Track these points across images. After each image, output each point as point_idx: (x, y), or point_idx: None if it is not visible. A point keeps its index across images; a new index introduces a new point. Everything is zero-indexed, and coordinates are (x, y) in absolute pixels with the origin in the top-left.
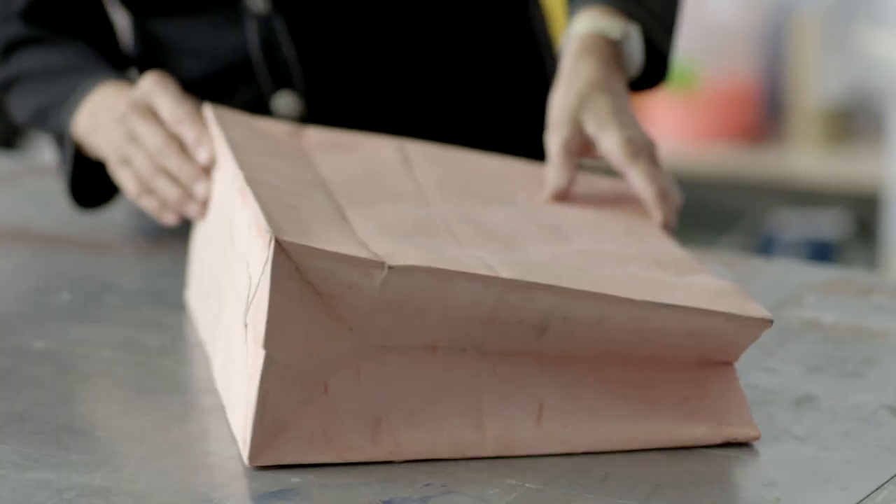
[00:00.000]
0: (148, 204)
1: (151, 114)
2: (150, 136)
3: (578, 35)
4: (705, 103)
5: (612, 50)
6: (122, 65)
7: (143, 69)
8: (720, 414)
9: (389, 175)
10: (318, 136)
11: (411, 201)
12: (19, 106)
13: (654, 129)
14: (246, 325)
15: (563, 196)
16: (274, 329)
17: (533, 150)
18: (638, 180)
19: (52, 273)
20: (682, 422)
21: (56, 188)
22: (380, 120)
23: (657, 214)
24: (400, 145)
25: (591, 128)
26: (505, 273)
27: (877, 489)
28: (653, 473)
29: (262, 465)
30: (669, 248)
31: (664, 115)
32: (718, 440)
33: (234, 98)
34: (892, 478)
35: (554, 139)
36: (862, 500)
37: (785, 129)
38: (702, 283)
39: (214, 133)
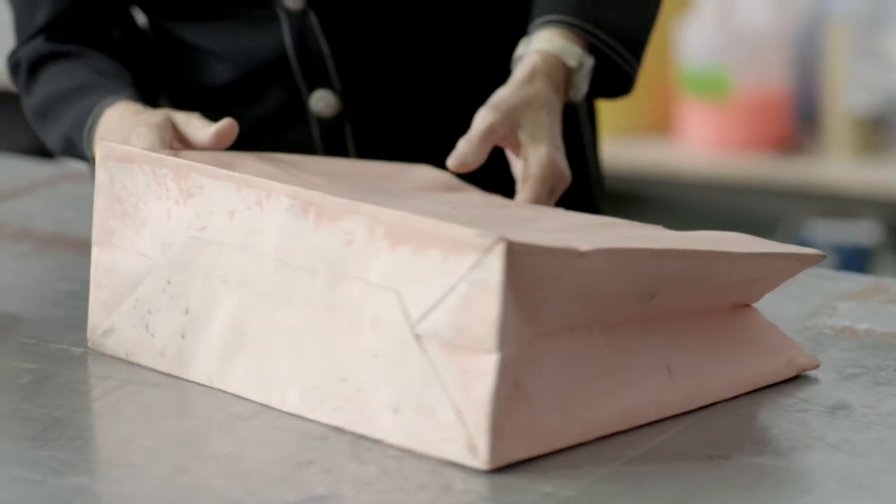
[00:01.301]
0: None
1: None
2: None
3: (537, 50)
4: (738, 111)
5: (563, 75)
6: (151, 73)
7: (166, 77)
8: (784, 348)
9: (298, 179)
10: (195, 157)
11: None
12: (51, 137)
13: (687, 136)
14: (418, 336)
15: (464, 169)
16: (503, 331)
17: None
18: (524, 199)
19: (89, 279)
20: (766, 360)
21: (93, 193)
22: (417, 113)
23: None
24: (259, 157)
25: (525, 134)
26: (654, 245)
27: None
28: (687, 480)
29: (497, 468)
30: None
31: (697, 123)
32: (794, 373)
33: (265, 100)
34: None
35: (485, 117)
36: None
37: (818, 136)
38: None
39: (157, 163)
